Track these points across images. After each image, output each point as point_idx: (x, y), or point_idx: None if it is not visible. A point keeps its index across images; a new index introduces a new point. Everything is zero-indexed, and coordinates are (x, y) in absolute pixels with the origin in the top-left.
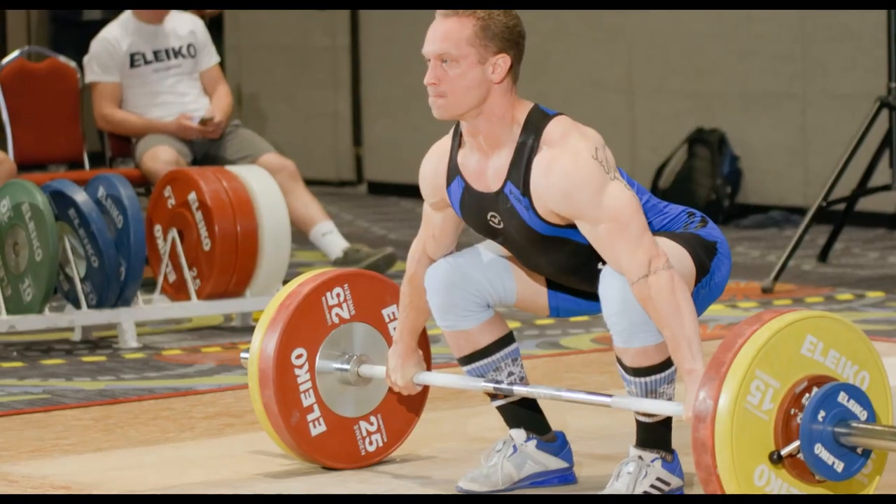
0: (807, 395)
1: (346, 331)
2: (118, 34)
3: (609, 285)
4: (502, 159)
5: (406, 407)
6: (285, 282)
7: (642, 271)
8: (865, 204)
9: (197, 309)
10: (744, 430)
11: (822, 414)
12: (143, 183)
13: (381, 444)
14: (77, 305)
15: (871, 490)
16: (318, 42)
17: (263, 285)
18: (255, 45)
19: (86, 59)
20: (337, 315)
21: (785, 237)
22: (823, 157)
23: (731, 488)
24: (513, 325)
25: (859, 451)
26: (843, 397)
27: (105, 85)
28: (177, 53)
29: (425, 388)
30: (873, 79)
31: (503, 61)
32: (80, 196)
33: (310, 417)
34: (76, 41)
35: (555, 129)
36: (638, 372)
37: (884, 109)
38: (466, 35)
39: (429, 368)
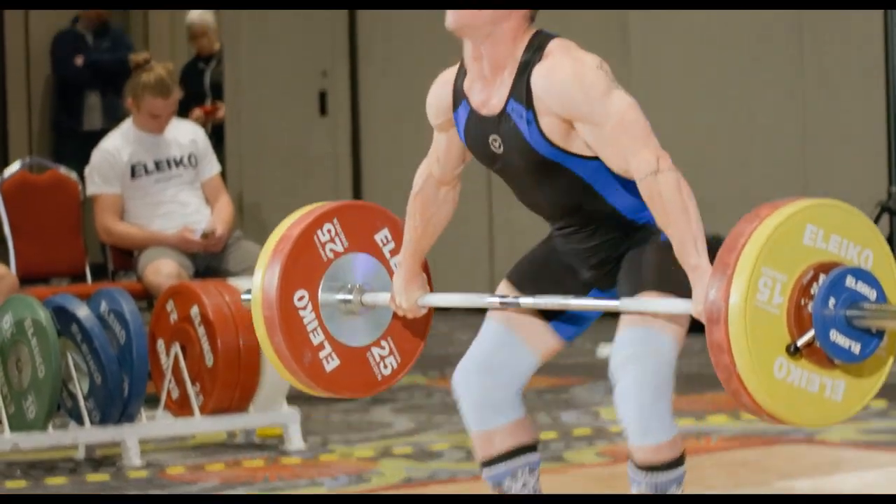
0: (815, 284)
1: (343, 263)
2: (119, 144)
3: (624, 382)
4: (505, 79)
5: (413, 327)
6: (289, 397)
7: (651, 168)
8: None
9: (200, 425)
10: (758, 328)
11: (832, 301)
12: (146, 296)
13: (395, 366)
14: (80, 422)
15: (889, 365)
16: (319, 149)
17: (267, 400)
18: (257, 151)
19: (87, 170)
20: (331, 250)
21: None
22: None
23: (752, 385)
24: None
25: (874, 330)
26: (850, 281)
27: (107, 196)
28: (178, 163)
29: (430, 309)
30: (874, 182)
31: None
32: (83, 311)
33: (322, 354)
34: (77, 151)
35: (557, 43)
36: (649, 469)
37: (885, 214)
38: None
39: (431, 290)
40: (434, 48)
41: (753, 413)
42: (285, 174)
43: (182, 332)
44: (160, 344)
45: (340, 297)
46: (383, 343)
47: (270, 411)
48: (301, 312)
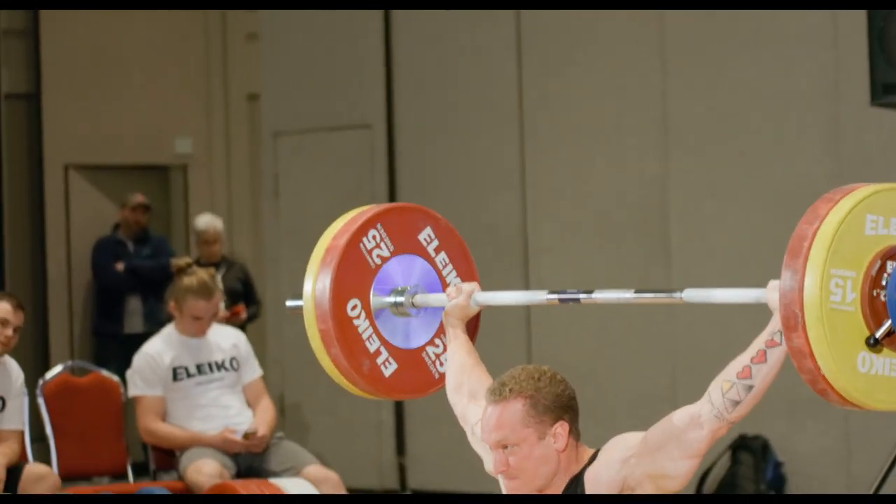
0: (884, 274)
1: (391, 267)
2: (160, 348)
3: None
4: None
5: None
6: None
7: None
8: None
9: None
10: (836, 329)
11: None
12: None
13: None
14: None
15: None
16: None
17: None
18: (299, 358)
19: (129, 373)
20: (378, 256)
21: None
22: (867, 465)
23: (839, 384)
24: None
25: None
26: None
27: (149, 399)
28: (220, 366)
29: (479, 312)
30: None
31: (562, 429)
32: None
33: (379, 361)
34: (118, 355)
35: None
36: None
37: None
38: (519, 417)
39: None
40: None
41: (839, 405)
42: (327, 378)
43: None
44: None
45: (391, 300)
46: (437, 341)
47: None
48: (355, 322)
